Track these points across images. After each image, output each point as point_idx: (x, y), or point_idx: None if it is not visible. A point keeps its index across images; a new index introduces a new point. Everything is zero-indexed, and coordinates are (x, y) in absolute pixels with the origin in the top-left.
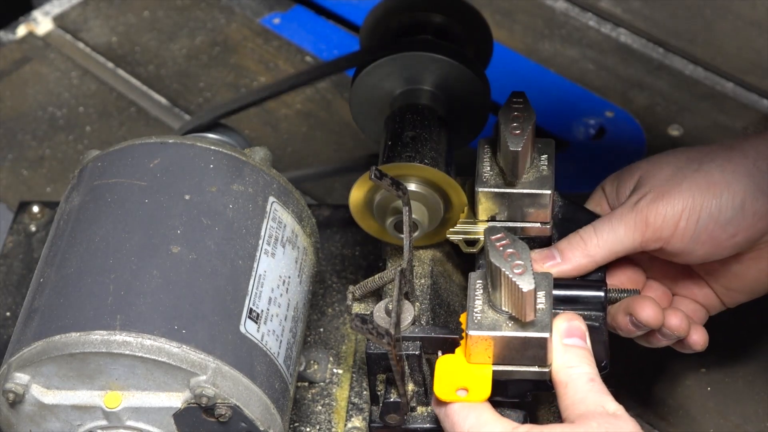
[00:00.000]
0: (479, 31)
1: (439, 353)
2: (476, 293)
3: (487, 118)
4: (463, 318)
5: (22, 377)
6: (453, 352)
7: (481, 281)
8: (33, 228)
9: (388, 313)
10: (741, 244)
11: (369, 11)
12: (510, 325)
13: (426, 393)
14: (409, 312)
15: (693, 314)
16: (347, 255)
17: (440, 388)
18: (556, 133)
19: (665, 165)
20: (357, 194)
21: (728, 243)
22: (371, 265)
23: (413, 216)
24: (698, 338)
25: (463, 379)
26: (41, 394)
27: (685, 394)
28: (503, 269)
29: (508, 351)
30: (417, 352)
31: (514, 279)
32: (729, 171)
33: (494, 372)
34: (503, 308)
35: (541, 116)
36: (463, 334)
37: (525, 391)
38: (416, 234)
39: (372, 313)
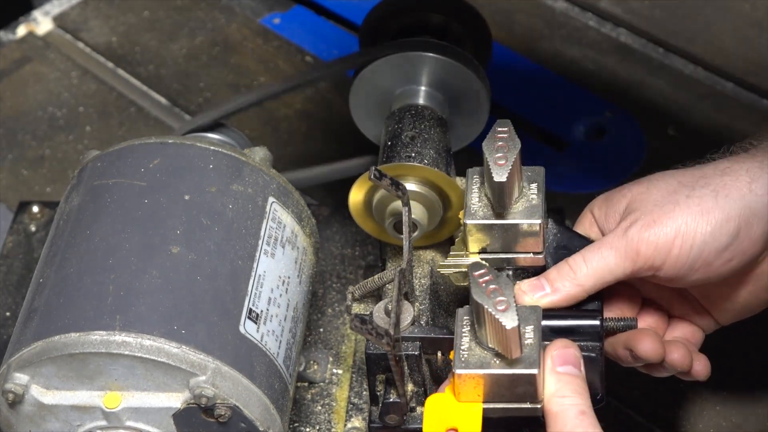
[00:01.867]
0: (479, 31)
1: (439, 354)
2: (463, 330)
3: (487, 118)
4: (451, 356)
5: (21, 377)
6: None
7: (467, 317)
8: (33, 228)
9: (387, 313)
10: (736, 268)
11: (369, 11)
12: (497, 362)
13: (425, 393)
14: (408, 312)
15: (691, 336)
16: (347, 255)
17: (430, 429)
18: (556, 133)
19: (655, 189)
20: (356, 194)
21: (723, 268)
22: (371, 265)
23: (413, 216)
24: (701, 369)
25: (452, 419)
26: (41, 394)
27: (685, 394)
28: (486, 306)
29: (497, 388)
30: (416, 353)
31: (497, 316)
32: (722, 196)
33: (484, 410)
34: (489, 345)
35: (541, 116)
36: (452, 372)
37: (517, 429)
38: (416, 234)
39: (371, 313)
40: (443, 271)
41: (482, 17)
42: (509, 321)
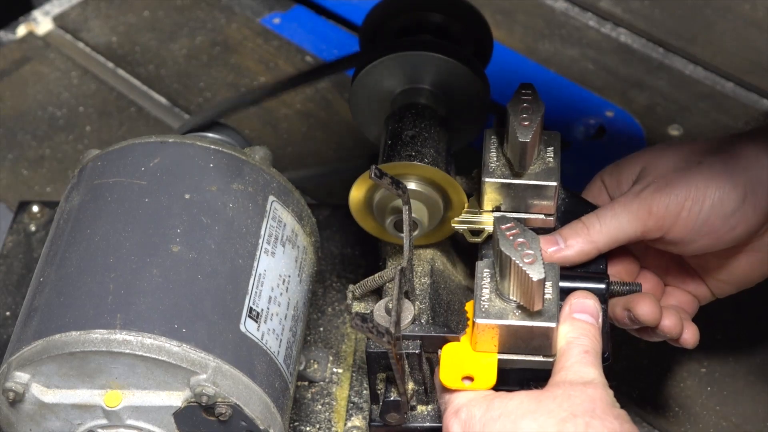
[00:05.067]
0: (479, 30)
1: (439, 352)
2: (483, 282)
3: (487, 117)
4: (469, 306)
5: (22, 376)
6: None
7: (488, 270)
8: (33, 228)
9: (388, 312)
10: (740, 236)
11: (369, 11)
12: (517, 314)
13: (426, 392)
14: (408, 311)
15: (685, 305)
16: (347, 255)
17: (446, 376)
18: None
19: (668, 157)
20: (357, 193)
21: (728, 236)
22: (371, 265)
23: (413, 215)
24: (689, 337)
25: (468, 367)
26: (41, 393)
27: (685, 394)
28: (514, 258)
29: (514, 340)
30: (417, 351)
31: (524, 268)
32: (732, 164)
33: (499, 361)
34: (511, 297)
35: None
36: (469, 323)
37: (529, 381)
38: (416, 233)
39: (372, 312)
40: (457, 227)
41: (482, 17)
42: (536, 273)
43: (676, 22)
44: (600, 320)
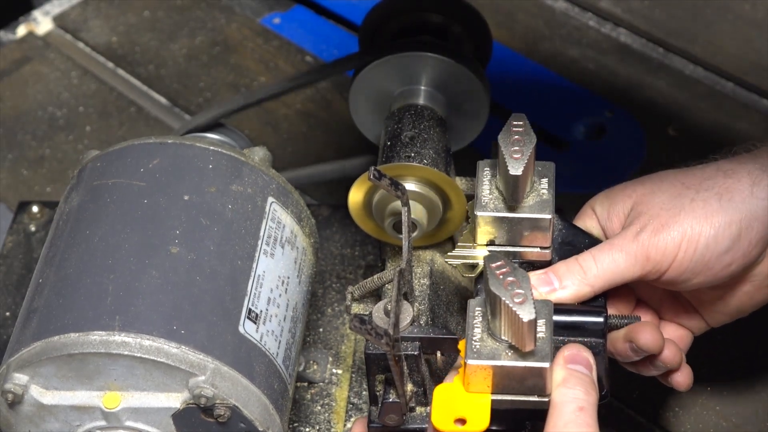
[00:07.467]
0: (479, 30)
1: (438, 354)
2: (475, 321)
3: (487, 118)
4: (461, 345)
5: (21, 378)
6: (452, 352)
7: (480, 308)
8: (33, 228)
9: (387, 313)
10: (735, 272)
11: (369, 11)
12: (509, 354)
13: (425, 393)
14: (407, 312)
15: (679, 340)
16: (347, 255)
17: (438, 419)
18: (556, 133)
19: (660, 192)
20: (356, 195)
21: (723, 272)
22: (371, 266)
23: (412, 216)
24: (682, 380)
25: (461, 409)
26: (40, 394)
27: (685, 394)
28: (503, 298)
29: (507, 380)
30: (416, 353)
31: (514, 308)
32: (726, 199)
33: (493, 401)
34: (503, 337)
35: (541, 116)
36: (462, 363)
37: (524, 421)
38: (415, 234)
39: (371, 313)
40: (451, 261)
41: (482, 17)
42: (526, 314)
43: (676, 22)
44: (594, 372)
